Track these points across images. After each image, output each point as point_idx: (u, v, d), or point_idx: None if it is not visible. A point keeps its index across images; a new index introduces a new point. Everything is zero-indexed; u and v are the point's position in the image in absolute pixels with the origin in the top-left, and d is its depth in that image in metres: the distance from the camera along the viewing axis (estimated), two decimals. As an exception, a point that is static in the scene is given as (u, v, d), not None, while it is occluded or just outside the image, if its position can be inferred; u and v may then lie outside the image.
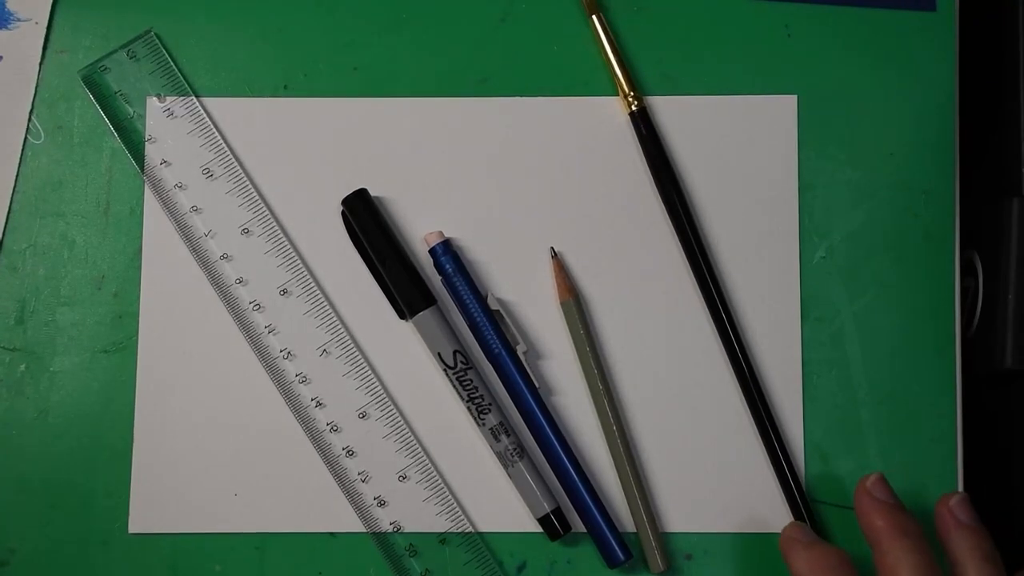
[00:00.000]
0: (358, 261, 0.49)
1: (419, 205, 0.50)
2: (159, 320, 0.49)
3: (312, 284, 0.49)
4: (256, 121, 0.50)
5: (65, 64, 0.50)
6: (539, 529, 0.48)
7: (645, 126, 0.49)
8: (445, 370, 0.48)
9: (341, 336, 0.49)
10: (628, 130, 0.50)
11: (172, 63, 0.50)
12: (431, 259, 0.49)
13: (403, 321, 0.49)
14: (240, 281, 0.49)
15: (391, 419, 0.48)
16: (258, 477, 0.48)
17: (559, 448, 0.47)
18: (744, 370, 0.48)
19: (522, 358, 0.48)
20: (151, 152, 0.50)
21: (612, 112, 0.50)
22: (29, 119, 0.50)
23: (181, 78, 0.50)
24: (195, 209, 0.49)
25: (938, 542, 0.44)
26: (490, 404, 0.47)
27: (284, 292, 0.49)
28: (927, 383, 0.49)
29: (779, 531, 0.48)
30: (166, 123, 0.50)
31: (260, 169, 0.50)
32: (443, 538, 0.48)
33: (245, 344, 0.49)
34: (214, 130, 0.50)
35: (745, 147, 0.50)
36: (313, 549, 0.48)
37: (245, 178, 0.50)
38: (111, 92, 0.50)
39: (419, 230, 0.49)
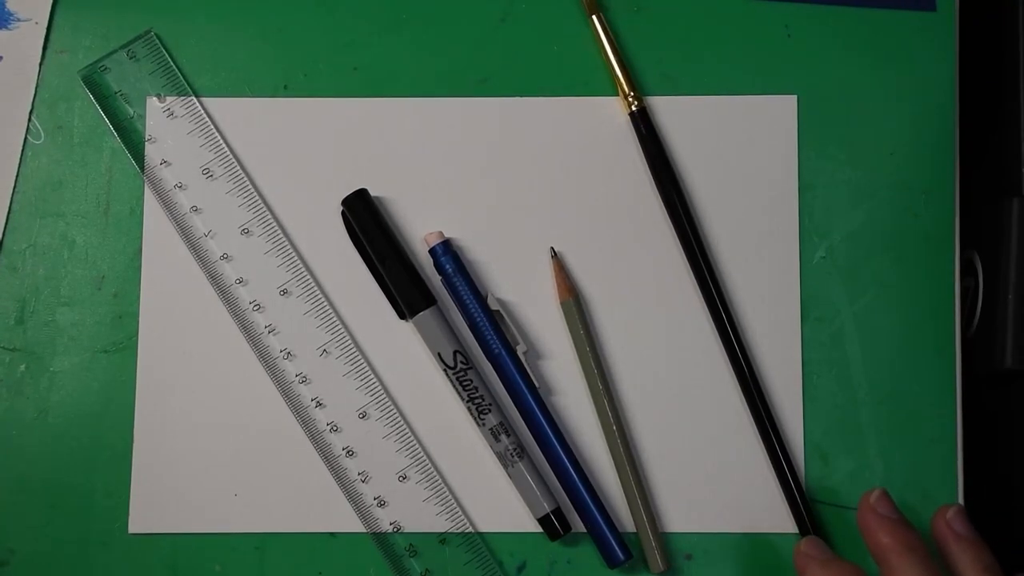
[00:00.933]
0: (358, 261, 0.49)
1: (419, 205, 0.50)
2: (159, 320, 0.49)
3: (312, 284, 0.49)
4: (256, 121, 0.50)
5: (65, 64, 0.50)
6: (539, 529, 0.48)
7: (645, 126, 0.49)
8: (445, 370, 0.48)
9: (341, 336, 0.49)
10: (628, 130, 0.50)
11: (172, 63, 0.50)
12: (431, 259, 0.49)
13: (403, 321, 0.49)
14: (240, 281, 0.49)
15: (391, 419, 0.48)
16: (258, 477, 0.48)
17: (559, 448, 0.47)
18: (744, 370, 0.48)
19: (522, 358, 0.48)
20: (151, 152, 0.50)
21: (612, 112, 0.50)
22: (29, 119, 0.50)
23: (181, 78, 0.50)
24: (195, 209, 0.49)
25: (938, 555, 0.44)
26: (490, 404, 0.47)
27: (284, 292, 0.49)
28: (927, 383, 0.49)
29: (779, 531, 0.48)
30: (166, 123, 0.50)
31: (260, 169, 0.50)
32: (443, 538, 0.48)
33: (245, 344, 0.49)
34: (214, 130, 0.50)
35: (745, 147, 0.50)
36: (313, 549, 0.48)
37: (245, 178, 0.50)
38: (111, 92, 0.50)
39: (419, 230, 0.49)
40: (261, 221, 0.49)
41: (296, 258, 0.49)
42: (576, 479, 0.47)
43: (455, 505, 0.48)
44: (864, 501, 0.45)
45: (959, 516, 0.44)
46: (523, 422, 0.48)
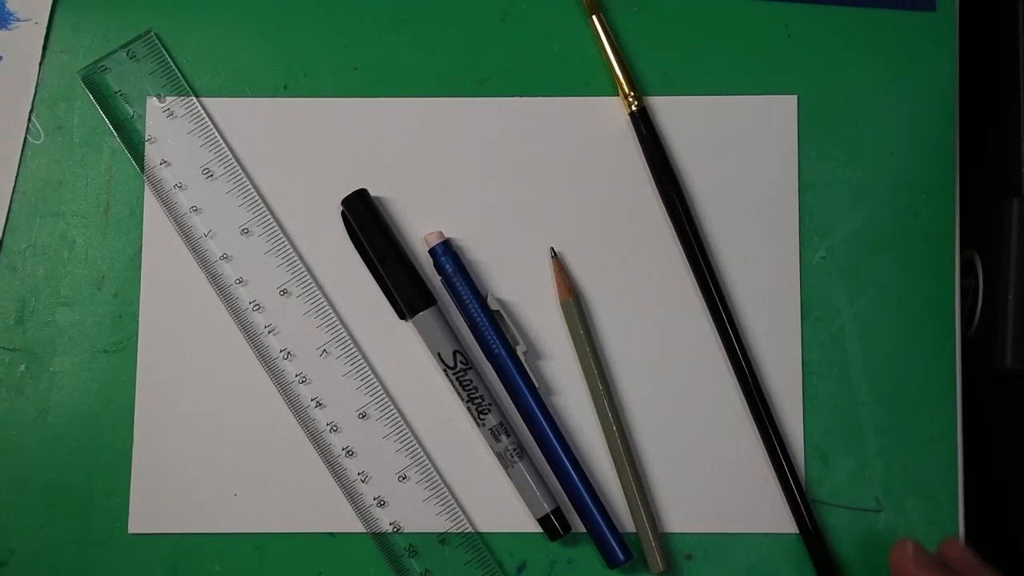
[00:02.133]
0: (358, 261, 0.49)
1: (419, 205, 0.50)
2: (159, 320, 0.49)
3: (312, 284, 0.49)
4: (256, 121, 0.50)
5: (65, 64, 0.50)
6: (539, 529, 0.48)
7: (645, 126, 0.49)
8: (445, 370, 0.48)
9: (341, 336, 0.49)
10: (628, 130, 0.50)
11: (172, 63, 0.50)
12: (431, 259, 0.49)
13: (403, 321, 0.49)
14: (240, 281, 0.49)
15: (391, 419, 0.48)
16: (258, 477, 0.48)
17: (559, 448, 0.47)
18: (744, 370, 0.48)
19: (522, 358, 0.48)
20: (151, 152, 0.50)
21: (612, 112, 0.50)
22: (29, 119, 0.50)
23: (181, 78, 0.50)
24: (195, 209, 0.49)
25: None
26: (490, 404, 0.47)
27: (284, 292, 0.49)
28: (927, 383, 0.49)
29: (779, 531, 0.48)
30: (166, 123, 0.50)
31: (260, 169, 0.50)
32: (443, 538, 0.48)
33: (245, 344, 0.49)
34: (214, 130, 0.50)
35: (745, 147, 0.50)
36: (313, 549, 0.48)
37: (245, 178, 0.50)
38: (111, 92, 0.50)
39: (419, 230, 0.49)
40: (261, 221, 0.49)
41: (296, 258, 0.49)
42: (576, 479, 0.47)
43: (455, 505, 0.48)
44: (899, 551, 0.44)
45: (965, 551, 0.44)
46: (523, 422, 0.48)
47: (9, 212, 0.50)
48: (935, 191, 0.50)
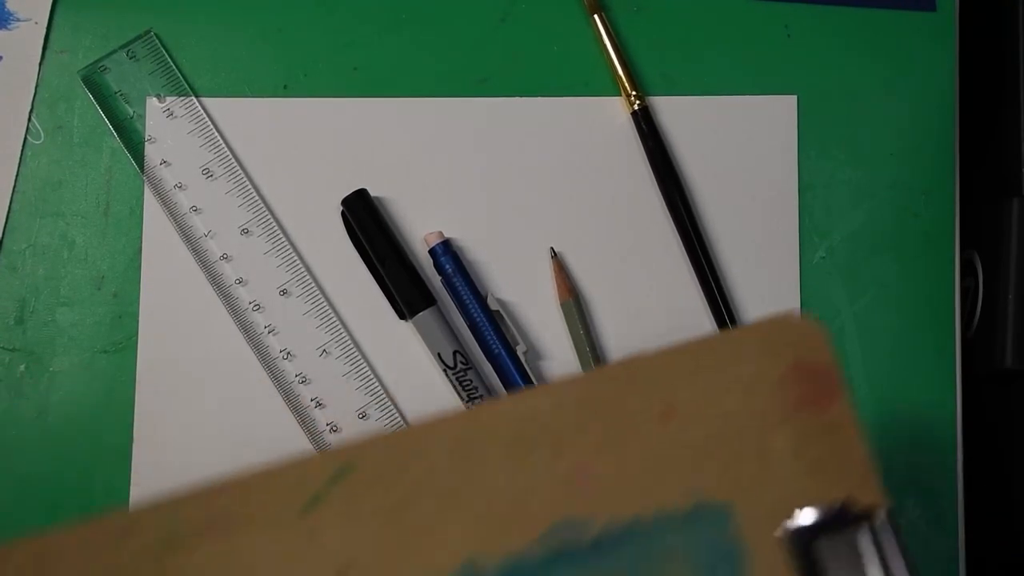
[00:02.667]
0: (358, 261, 0.49)
1: (419, 205, 0.50)
2: (159, 320, 0.49)
3: (312, 284, 0.49)
4: (256, 121, 0.50)
5: (65, 64, 0.50)
6: (539, 529, 0.48)
7: (647, 125, 0.49)
8: (445, 370, 0.48)
9: (341, 336, 0.49)
10: (628, 130, 0.50)
11: (172, 63, 0.50)
12: (431, 259, 0.49)
13: (403, 321, 0.49)
14: (240, 281, 0.49)
15: (391, 420, 0.48)
16: (258, 477, 0.48)
17: (559, 448, 0.47)
18: (744, 370, 0.48)
19: (522, 358, 0.48)
20: (151, 152, 0.50)
21: (613, 112, 0.50)
22: (29, 119, 0.50)
23: (181, 78, 0.50)
24: (195, 209, 0.49)
25: None
26: (490, 404, 0.47)
27: (284, 292, 0.49)
28: (927, 383, 0.49)
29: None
30: (166, 123, 0.50)
31: (260, 169, 0.50)
32: (443, 538, 0.48)
33: (245, 344, 0.49)
34: (214, 130, 0.50)
35: (745, 147, 0.50)
36: (313, 549, 0.48)
37: (245, 178, 0.49)
38: (111, 92, 0.50)
39: (419, 230, 0.49)
40: (261, 221, 0.49)
41: (296, 258, 0.49)
42: (576, 479, 0.47)
43: (455, 505, 0.48)
44: None
45: None
46: (523, 422, 0.48)
47: (9, 212, 0.50)
48: (935, 191, 0.50)
